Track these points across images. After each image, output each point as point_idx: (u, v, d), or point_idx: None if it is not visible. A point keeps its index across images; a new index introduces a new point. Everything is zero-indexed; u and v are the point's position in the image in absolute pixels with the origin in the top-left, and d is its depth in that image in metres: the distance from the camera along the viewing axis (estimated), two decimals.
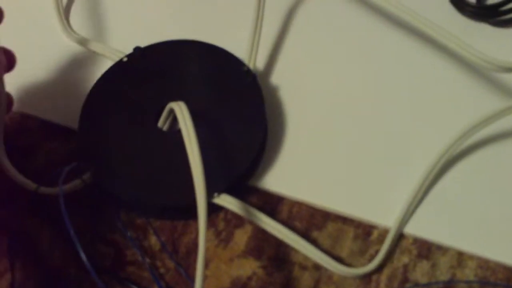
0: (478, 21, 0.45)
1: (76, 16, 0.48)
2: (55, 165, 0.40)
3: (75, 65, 0.45)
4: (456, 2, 0.45)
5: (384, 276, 0.36)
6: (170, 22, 0.47)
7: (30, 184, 0.37)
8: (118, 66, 0.42)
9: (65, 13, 0.48)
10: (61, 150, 0.42)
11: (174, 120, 0.39)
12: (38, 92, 0.44)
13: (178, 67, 0.42)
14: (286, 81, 0.43)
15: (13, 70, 0.40)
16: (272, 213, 0.38)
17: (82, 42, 0.45)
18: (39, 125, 0.43)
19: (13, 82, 0.41)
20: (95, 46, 0.45)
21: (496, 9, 0.44)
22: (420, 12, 0.40)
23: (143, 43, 0.42)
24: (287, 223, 0.37)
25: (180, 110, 0.35)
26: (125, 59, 0.42)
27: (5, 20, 0.38)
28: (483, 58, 0.38)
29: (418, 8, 0.42)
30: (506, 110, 0.38)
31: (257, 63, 0.43)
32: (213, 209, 0.37)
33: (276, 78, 0.44)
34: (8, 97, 0.40)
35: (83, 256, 0.31)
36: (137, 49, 0.42)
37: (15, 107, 0.42)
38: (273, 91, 0.43)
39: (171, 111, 0.38)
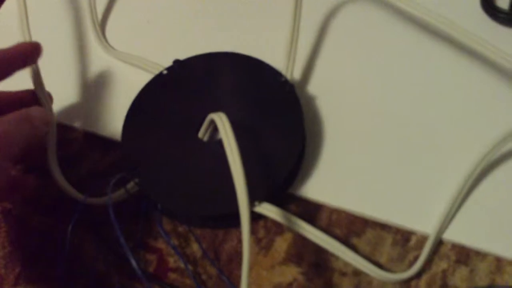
0: (511, 27, 0.45)
1: (113, 30, 0.49)
2: (97, 175, 0.42)
3: (115, 79, 0.47)
4: (488, 9, 0.45)
5: (423, 282, 0.36)
6: (207, 35, 0.48)
7: (78, 195, 0.39)
8: (159, 79, 0.43)
9: (101, 28, 0.49)
10: (103, 161, 0.43)
11: (214, 130, 0.40)
12: (80, 105, 0.46)
13: (217, 79, 0.43)
14: (323, 90, 0.44)
15: (57, 84, 0.41)
16: (312, 221, 0.38)
17: (120, 56, 0.47)
18: (82, 137, 0.45)
19: (57, 95, 0.43)
20: (133, 60, 0.46)
21: None
22: (453, 19, 0.41)
23: (181, 56, 0.43)
24: (327, 230, 0.38)
25: (221, 120, 0.36)
26: (165, 72, 0.43)
27: (45, 36, 0.40)
28: None
29: (451, 16, 0.43)
30: None
31: (294, 73, 0.43)
32: (254, 217, 0.38)
33: (314, 87, 0.44)
34: (50, 97, 0.42)
35: (133, 262, 0.32)
36: (176, 62, 0.43)
37: (59, 118, 0.43)
38: (311, 100, 0.43)
39: (212, 122, 0.38)
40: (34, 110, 0.37)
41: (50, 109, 0.41)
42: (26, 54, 0.40)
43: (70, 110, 0.45)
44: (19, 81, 0.40)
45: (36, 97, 0.41)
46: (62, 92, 0.45)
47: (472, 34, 0.39)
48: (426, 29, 0.45)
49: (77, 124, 0.45)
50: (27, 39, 0.44)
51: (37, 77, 0.41)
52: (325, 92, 0.44)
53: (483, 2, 0.46)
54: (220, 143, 0.36)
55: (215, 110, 0.38)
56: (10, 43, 0.39)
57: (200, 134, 0.40)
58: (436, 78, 0.44)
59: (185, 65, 0.43)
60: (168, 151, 0.40)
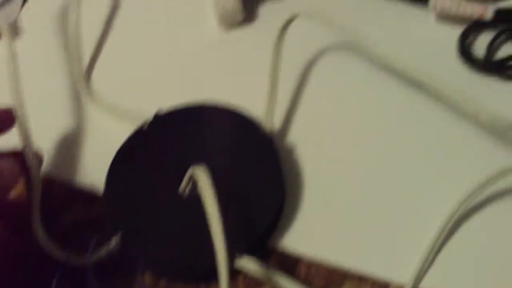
0: (486, 76, 0.46)
1: (98, 78, 0.50)
2: (80, 229, 0.43)
3: (98, 129, 0.47)
4: (465, 57, 0.46)
5: None
6: (188, 84, 0.49)
7: (59, 254, 0.39)
8: (140, 133, 0.43)
9: (86, 76, 0.50)
10: (87, 213, 0.44)
11: (195, 185, 0.40)
12: (62, 156, 0.46)
13: (197, 131, 0.43)
14: (303, 140, 0.45)
15: (39, 133, 0.42)
16: (291, 273, 0.39)
17: (103, 107, 0.48)
18: (64, 189, 0.45)
19: (40, 145, 0.43)
20: (117, 111, 0.47)
21: (504, 63, 0.45)
22: (430, 68, 0.42)
23: (163, 104, 0.45)
24: (306, 282, 0.39)
25: (200, 176, 0.37)
26: (146, 125, 0.44)
27: (28, 81, 0.40)
28: (495, 119, 0.39)
29: (428, 64, 0.44)
30: None
31: (274, 122, 0.44)
32: (234, 271, 0.39)
33: (293, 137, 0.45)
34: (37, 156, 0.42)
35: None
36: (157, 116, 0.44)
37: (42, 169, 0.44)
38: (291, 150, 0.44)
39: (192, 176, 0.39)
40: (3, 163, 0.38)
41: (37, 169, 0.41)
42: None
43: (52, 162, 0.46)
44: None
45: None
46: (46, 143, 0.46)
47: (450, 87, 0.40)
48: (404, 78, 0.46)
49: (59, 176, 0.45)
50: (15, 89, 0.43)
51: (25, 135, 0.41)
52: (305, 142, 0.45)
53: (459, 51, 0.47)
54: (200, 198, 0.36)
55: (196, 163, 0.39)
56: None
57: (181, 189, 0.41)
58: (414, 128, 0.44)
59: (166, 118, 0.44)
60: (149, 206, 0.41)
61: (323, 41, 0.49)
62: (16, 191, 0.43)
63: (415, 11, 0.49)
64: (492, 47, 0.46)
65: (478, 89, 0.45)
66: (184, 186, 0.40)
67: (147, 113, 0.45)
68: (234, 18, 0.50)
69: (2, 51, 0.42)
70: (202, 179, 0.37)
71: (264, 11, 0.52)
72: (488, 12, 0.45)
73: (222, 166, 0.41)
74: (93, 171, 0.45)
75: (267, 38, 0.45)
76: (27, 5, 0.56)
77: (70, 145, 0.47)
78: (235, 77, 0.49)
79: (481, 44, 0.47)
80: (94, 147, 0.47)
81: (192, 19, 0.52)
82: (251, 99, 0.44)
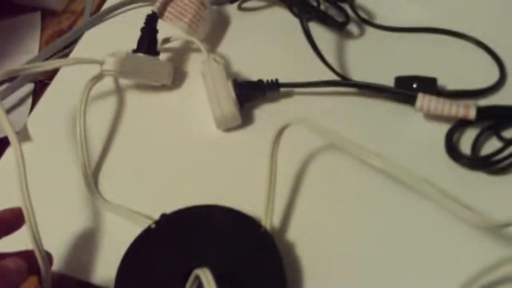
0: (474, 171, 0.48)
1: (105, 182, 0.53)
2: None
3: (107, 230, 0.49)
4: (452, 154, 0.49)
5: None
6: (192, 187, 0.51)
7: None
8: (147, 233, 0.45)
9: (94, 180, 0.52)
10: None
11: (201, 284, 0.42)
12: (74, 254, 0.48)
13: (201, 232, 0.45)
14: (302, 237, 0.47)
15: (51, 233, 0.43)
16: None
17: (112, 208, 0.50)
18: (76, 285, 0.47)
19: (50, 244, 0.45)
20: (124, 212, 0.49)
21: (489, 159, 0.48)
22: (419, 165, 0.45)
23: (168, 205, 0.47)
24: None
25: (205, 277, 0.39)
26: (153, 225, 0.46)
27: (38, 182, 0.43)
28: (479, 219, 0.41)
29: (417, 161, 0.47)
30: (504, 261, 0.41)
31: (274, 220, 0.47)
32: None
33: (293, 234, 0.47)
34: (48, 255, 0.43)
35: None
36: (163, 216, 0.46)
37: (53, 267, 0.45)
38: (290, 248, 0.46)
39: (197, 277, 0.41)
40: (9, 262, 0.39)
41: (46, 270, 0.42)
42: (7, 224, 0.41)
43: (64, 259, 0.48)
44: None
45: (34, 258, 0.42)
46: (56, 242, 0.48)
47: (435, 189, 0.42)
48: (393, 176, 0.48)
49: (71, 273, 0.47)
50: (25, 193, 0.43)
51: (34, 236, 0.42)
52: (304, 239, 0.47)
53: (447, 147, 0.49)
54: None
55: (200, 262, 0.41)
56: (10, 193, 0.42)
57: None
58: (407, 224, 0.47)
59: (172, 219, 0.46)
60: None
61: (315, 143, 0.52)
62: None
63: (404, 110, 0.53)
64: (477, 144, 0.49)
65: (466, 184, 0.47)
66: (189, 285, 0.42)
67: (152, 214, 0.47)
68: (232, 122, 0.53)
69: (12, 155, 0.45)
70: (207, 280, 0.39)
71: (260, 113, 0.55)
72: (471, 112, 0.48)
73: (225, 265, 0.43)
74: (105, 269, 0.46)
75: (263, 140, 0.47)
76: (35, 110, 0.59)
77: (80, 244, 0.49)
78: (235, 177, 0.51)
79: (467, 141, 0.50)
80: (104, 246, 0.49)
81: (193, 123, 0.55)
82: (251, 198, 0.47)
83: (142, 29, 0.57)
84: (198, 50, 0.59)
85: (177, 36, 0.60)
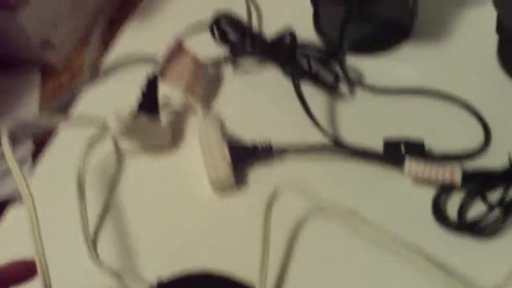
0: (462, 235, 0.50)
1: (104, 246, 0.54)
2: None
3: None
4: (440, 219, 0.50)
5: None
6: (186, 246, 0.53)
7: None
8: None
9: (93, 244, 0.54)
10: None
11: None
12: None
13: None
14: None
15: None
16: None
17: (111, 272, 0.51)
18: None
19: None
20: (119, 275, 0.51)
21: (476, 225, 0.49)
22: (407, 229, 0.47)
23: (164, 270, 0.48)
24: None
25: None
26: None
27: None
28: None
29: (405, 225, 0.49)
30: None
31: (268, 286, 0.48)
32: None
33: None
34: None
35: None
36: (159, 285, 0.47)
37: None
38: None
39: None
40: None
41: None
42: (20, 276, 0.42)
43: None
44: None
45: None
46: None
47: (425, 252, 0.43)
48: (382, 242, 0.50)
49: None
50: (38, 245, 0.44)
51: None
52: None
53: (434, 212, 0.51)
54: None
55: None
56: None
57: None
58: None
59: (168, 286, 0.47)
60: None
61: (307, 207, 0.53)
62: None
63: (392, 174, 0.54)
64: (464, 208, 0.51)
65: (454, 249, 0.49)
66: None
67: (149, 276, 0.49)
68: (226, 185, 0.55)
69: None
70: None
71: (253, 176, 0.57)
72: (457, 178, 0.50)
73: None
74: None
75: (256, 202, 0.49)
76: (37, 171, 0.60)
77: None
78: (229, 241, 0.53)
79: (454, 204, 0.51)
80: None
81: (189, 185, 0.57)
82: (246, 263, 0.48)
83: (143, 89, 0.59)
84: (195, 110, 0.61)
85: (175, 97, 0.62)
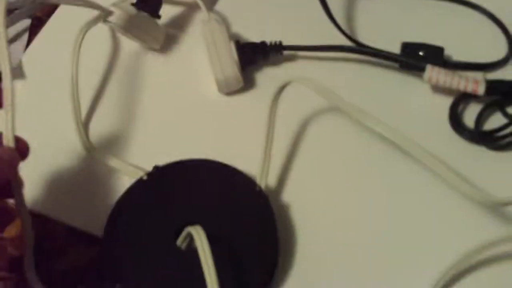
0: (476, 145, 0.47)
1: (97, 132, 0.51)
2: (78, 271, 0.44)
3: (97, 179, 0.48)
4: (456, 126, 0.48)
5: None
6: (185, 141, 0.50)
7: None
8: (139, 184, 0.44)
9: (85, 129, 0.51)
10: (85, 256, 0.45)
11: (192, 239, 0.41)
12: (62, 199, 0.47)
13: (194, 186, 0.44)
14: (297, 198, 0.46)
15: (43, 178, 0.43)
16: None
17: (103, 158, 0.49)
18: (64, 230, 0.46)
19: (42, 189, 0.45)
20: (116, 163, 0.48)
21: (492, 134, 0.47)
22: (422, 135, 0.43)
23: (161, 160, 0.45)
24: None
25: (198, 235, 0.38)
26: (145, 177, 0.44)
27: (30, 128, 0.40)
28: (480, 195, 0.39)
29: (421, 131, 0.46)
30: (504, 239, 0.40)
31: (269, 181, 0.45)
32: None
33: (288, 195, 0.46)
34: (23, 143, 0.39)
35: None
36: (155, 168, 0.45)
37: (41, 209, 0.45)
38: (285, 209, 0.45)
39: (189, 234, 0.40)
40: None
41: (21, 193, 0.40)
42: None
43: (54, 205, 0.47)
44: None
45: None
46: (48, 187, 0.47)
47: (436, 160, 0.40)
48: (394, 144, 0.47)
49: (61, 218, 0.46)
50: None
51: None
52: (299, 200, 0.46)
53: (451, 120, 0.48)
54: (197, 252, 0.38)
55: (192, 217, 0.41)
56: None
57: (178, 243, 0.41)
58: (405, 193, 0.46)
59: (164, 171, 0.45)
60: (147, 258, 0.41)
61: (316, 105, 0.50)
62: (15, 228, 0.43)
63: (410, 79, 0.51)
64: (481, 118, 0.48)
65: (467, 158, 0.47)
66: (181, 241, 0.41)
67: (147, 168, 0.46)
68: (233, 85, 0.51)
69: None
70: (200, 238, 0.38)
71: (261, 77, 0.53)
72: (480, 88, 0.47)
73: (218, 223, 0.42)
74: (95, 217, 0.45)
75: (264, 101, 0.46)
76: (30, 47, 0.57)
77: (70, 190, 0.48)
78: (233, 138, 0.50)
79: (471, 114, 0.49)
80: (94, 194, 0.47)
81: (193, 84, 0.53)
82: (247, 159, 0.45)
83: None
84: (199, 9, 0.56)
85: None
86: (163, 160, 0.46)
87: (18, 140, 0.38)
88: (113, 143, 0.50)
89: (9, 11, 0.58)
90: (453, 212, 0.45)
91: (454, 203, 0.45)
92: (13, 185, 0.38)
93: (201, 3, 0.54)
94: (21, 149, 0.39)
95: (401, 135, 0.40)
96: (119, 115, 0.52)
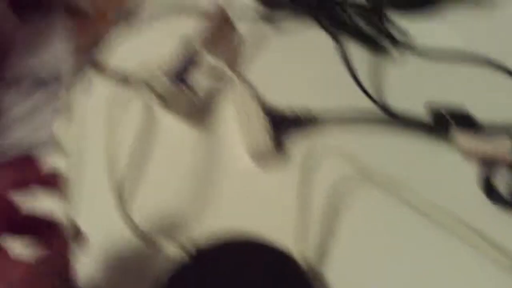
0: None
1: (139, 209, 0.52)
2: None
3: (139, 257, 0.49)
4: (488, 194, 0.48)
5: None
6: (223, 217, 0.51)
7: None
8: (181, 267, 0.45)
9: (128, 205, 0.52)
10: None
11: None
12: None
13: (237, 265, 0.45)
14: (336, 273, 0.47)
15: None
16: None
17: (143, 236, 0.50)
18: None
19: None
20: (156, 240, 0.49)
21: None
22: (454, 202, 0.44)
23: (201, 233, 0.47)
24: None
25: None
26: (187, 259, 0.45)
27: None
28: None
29: (452, 200, 0.47)
30: None
31: (308, 255, 0.46)
32: None
33: (327, 270, 0.47)
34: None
35: None
36: (198, 250, 0.46)
37: None
38: (325, 284, 0.46)
39: None
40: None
41: None
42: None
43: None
44: None
45: None
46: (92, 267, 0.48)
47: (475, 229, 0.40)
48: (430, 216, 0.48)
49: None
50: None
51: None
52: (338, 275, 0.46)
53: (483, 188, 0.49)
54: None
55: None
56: None
57: None
58: (440, 265, 0.46)
59: (205, 253, 0.46)
60: None
61: (349, 176, 0.51)
62: None
63: (440, 145, 0.52)
64: None
65: (502, 226, 0.47)
66: None
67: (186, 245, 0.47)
68: (265, 155, 0.53)
69: None
70: None
71: (293, 145, 0.54)
72: (510, 154, 0.48)
73: None
74: None
75: (296, 172, 0.46)
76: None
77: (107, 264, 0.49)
78: (266, 208, 0.51)
79: (502, 179, 0.49)
80: (132, 272, 0.49)
81: (226, 154, 0.55)
82: (285, 233, 0.46)
83: (182, 59, 0.56)
84: (230, 80, 0.58)
85: (209, 65, 0.59)
86: (202, 231, 0.47)
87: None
88: (151, 217, 0.51)
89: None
90: (486, 283, 0.45)
91: (487, 273, 0.45)
92: None
93: (233, 75, 0.56)
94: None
95: (434, 206, 0.40)
96: (156, 188, 0.53)
